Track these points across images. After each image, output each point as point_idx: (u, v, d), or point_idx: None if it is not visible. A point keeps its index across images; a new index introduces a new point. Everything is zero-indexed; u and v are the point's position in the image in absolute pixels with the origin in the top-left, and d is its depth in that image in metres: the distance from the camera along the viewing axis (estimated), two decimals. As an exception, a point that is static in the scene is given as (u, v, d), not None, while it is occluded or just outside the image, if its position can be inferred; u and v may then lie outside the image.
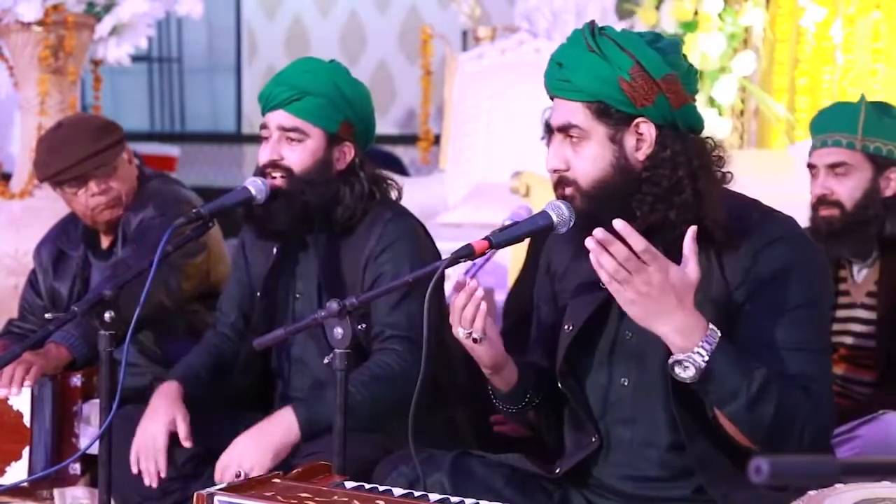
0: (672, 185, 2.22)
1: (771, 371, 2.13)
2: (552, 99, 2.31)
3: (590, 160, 2.24)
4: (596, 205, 2.23)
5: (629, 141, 2.24)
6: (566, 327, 2.36)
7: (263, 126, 2.92)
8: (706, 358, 2.07)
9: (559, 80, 2.26)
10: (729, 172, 2.32)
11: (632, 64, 2.20)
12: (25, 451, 3.29)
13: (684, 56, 2.29)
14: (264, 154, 2.89)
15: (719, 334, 2.10)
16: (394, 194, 3.02)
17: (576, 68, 2.23)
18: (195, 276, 3.58)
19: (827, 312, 2.35)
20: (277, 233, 2.95)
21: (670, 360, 2.10)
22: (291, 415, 2.75)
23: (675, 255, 2.12)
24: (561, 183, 2.28)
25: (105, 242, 3.65)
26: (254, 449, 2.70)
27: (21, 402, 3.29)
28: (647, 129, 2.23)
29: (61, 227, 3.71)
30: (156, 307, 3.39)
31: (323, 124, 2.88)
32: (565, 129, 2.26)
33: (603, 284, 2.29)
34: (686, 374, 2.09)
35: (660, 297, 2.05)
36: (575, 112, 2.24)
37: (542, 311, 2.54)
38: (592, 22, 2.29)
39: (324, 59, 3.00)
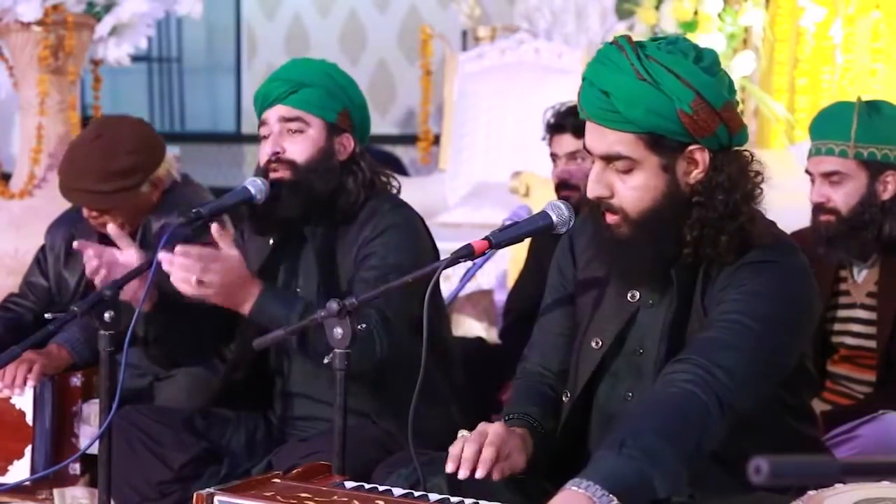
0: (728, 210, 2.12)
1: (636, 421, 2.03)
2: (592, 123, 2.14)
3: (638, 190, 2.12)
4: (644, 233, 2.14)
5: (681, 167, 2.13)
6: (594, 343, 2.29)
7: (262, 123, 2.91)
8: (609, 496, 1.93)
9: (605, 109, 2.10)
10: (760, 188, 2.19)
11: (693, 96, 2.07)
12: (27, 450, 3.29)
13: (719, 65, 2.16)
14: (265, 150, 2.88)
15: (581, 479, 1.96)
16: (394, 189, 3.01)
17: (626, 99, 2.08)
18: None
19: (781, 337, 2.17)
20: (282, 220, 2.89)
21: None
22: None
23: (716, 278, 2.12)
24: (602, 209, 2.17)
25: None
26: None
27: (23, 400, 3.29)
28: (702, 156, 2.13)
29: (77, 213, 3.58)
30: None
31: (322, 114, 2.88)
32: (610, 159, 2.13)
33: (630, 297, 2.25)
34: None
35: None
36: (622, 142, 2.11)
37: (552, 304, 2.42)
38: (627, 38, 2.13)
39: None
